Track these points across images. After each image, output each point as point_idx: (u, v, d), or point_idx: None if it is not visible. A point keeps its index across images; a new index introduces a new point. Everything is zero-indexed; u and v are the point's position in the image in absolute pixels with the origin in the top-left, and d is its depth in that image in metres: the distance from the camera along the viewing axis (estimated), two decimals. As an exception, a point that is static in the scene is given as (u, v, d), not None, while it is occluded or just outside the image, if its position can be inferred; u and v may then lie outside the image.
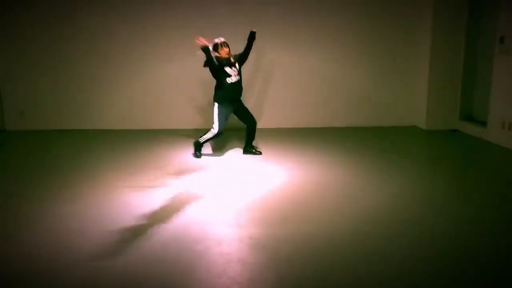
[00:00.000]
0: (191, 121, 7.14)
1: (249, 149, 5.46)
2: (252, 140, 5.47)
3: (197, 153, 5.29)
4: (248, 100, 6.92)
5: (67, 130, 6.97)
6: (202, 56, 4.97)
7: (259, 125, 7.05)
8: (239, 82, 5.18)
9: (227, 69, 5.06)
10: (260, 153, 5.46)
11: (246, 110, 5.39)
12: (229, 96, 5.16)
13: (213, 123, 5.17)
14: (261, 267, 2.67)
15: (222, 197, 3.94)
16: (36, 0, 6.75)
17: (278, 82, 7.15)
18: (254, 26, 5.26)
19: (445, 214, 3.53)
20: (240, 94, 5.28)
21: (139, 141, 6.27)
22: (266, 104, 7.18)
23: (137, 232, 3.17)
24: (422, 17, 6.96)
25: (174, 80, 7.06)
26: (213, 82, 5.22)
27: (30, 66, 6.93)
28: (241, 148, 5.64)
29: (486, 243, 3.03)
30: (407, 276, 2.58)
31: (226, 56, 5.07)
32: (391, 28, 7.08)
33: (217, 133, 5.16)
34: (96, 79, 7.03)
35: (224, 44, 5.07)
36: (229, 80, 5.08)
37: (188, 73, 6.93)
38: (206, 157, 5.32)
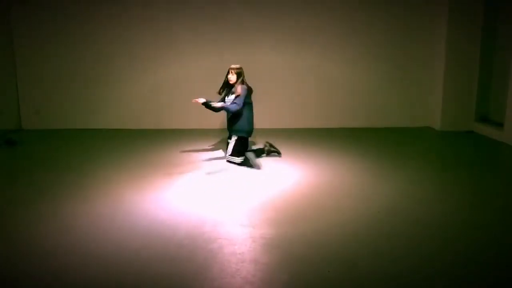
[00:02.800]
0: (203, 121, 7.17)
1: (263, 151, 5.36)
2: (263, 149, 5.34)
3: (247, 161, 4.96)
4: (263, 101, 6.92)
5: (81, 129, 7.06)
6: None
7: (271, 125, 7.07)
8: None
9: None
10: (279, 152, 5.36)
11: None
12: (253, 127, 5.09)
13: (239, 157, 4.94)
14: (274, 267, 2.67)
15: (235, 197, 3.94)
16: (51, 4, 6.87)
17: (292, 82, 7.14)
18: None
19: (451, 216, 3.49)
20: None
21: (152, 140, 6.31)
22: (279, 105, 7.17)
23: (151, 231, 3.20)
24: (437, 17, 6.88)
25: (187, 80, 7.09)
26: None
27: (46, 67, 7.04)
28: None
29: (489, 244, 3.00)
30: (422, 275, 2.56)
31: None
32: (406, 28, 7.01)
33: (240, 163, 4.97)
34: (110, 79, 7.10)
35: (231, 70, 4.96)
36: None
37: (202, 73, 6.97)
38: (219, 158, 5.34)
